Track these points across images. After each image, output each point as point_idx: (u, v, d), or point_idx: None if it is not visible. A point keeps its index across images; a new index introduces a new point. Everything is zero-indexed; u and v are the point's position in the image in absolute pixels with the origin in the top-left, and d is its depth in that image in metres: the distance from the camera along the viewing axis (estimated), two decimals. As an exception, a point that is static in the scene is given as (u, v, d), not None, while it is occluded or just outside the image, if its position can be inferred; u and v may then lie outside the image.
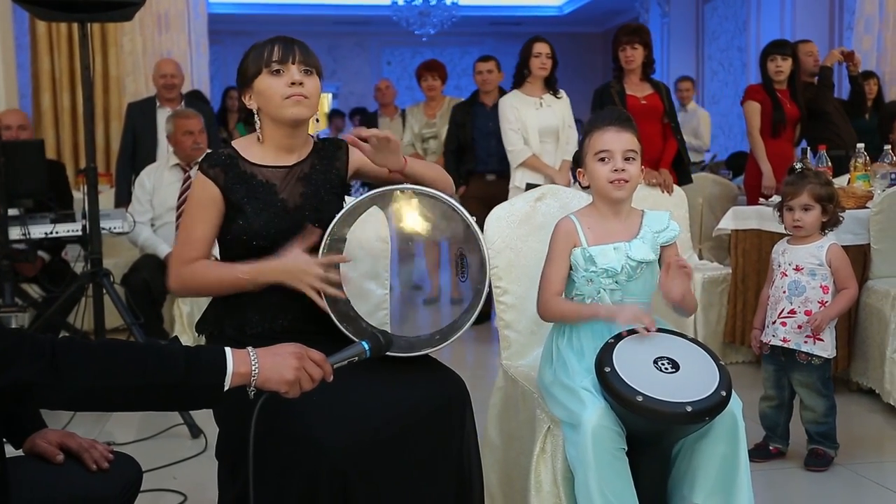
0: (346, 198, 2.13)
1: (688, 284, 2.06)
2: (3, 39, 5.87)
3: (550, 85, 5.16)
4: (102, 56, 6.53)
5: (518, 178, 4.98)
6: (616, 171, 2.09)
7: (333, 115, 10.52)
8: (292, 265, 1.90)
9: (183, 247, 2.00)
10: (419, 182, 2.08)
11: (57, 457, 1.72)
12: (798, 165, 3.11)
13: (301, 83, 1.95)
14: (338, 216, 1.97)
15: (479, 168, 5.53)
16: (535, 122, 5.01)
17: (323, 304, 1.91)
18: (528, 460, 2.14)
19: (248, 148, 2.04)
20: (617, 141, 2.11)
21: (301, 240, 1.93)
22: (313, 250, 1.94)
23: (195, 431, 3.34)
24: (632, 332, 2.02)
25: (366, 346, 1.65)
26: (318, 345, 1.64)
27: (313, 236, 1.94)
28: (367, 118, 7.43)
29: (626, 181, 2.10)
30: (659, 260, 2.16)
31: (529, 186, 4.50)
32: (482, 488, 2.05)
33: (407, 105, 6.77)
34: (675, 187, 4.52)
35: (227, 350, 1.51)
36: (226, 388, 1.49)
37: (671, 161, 4.62)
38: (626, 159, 2.10)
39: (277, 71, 1.96)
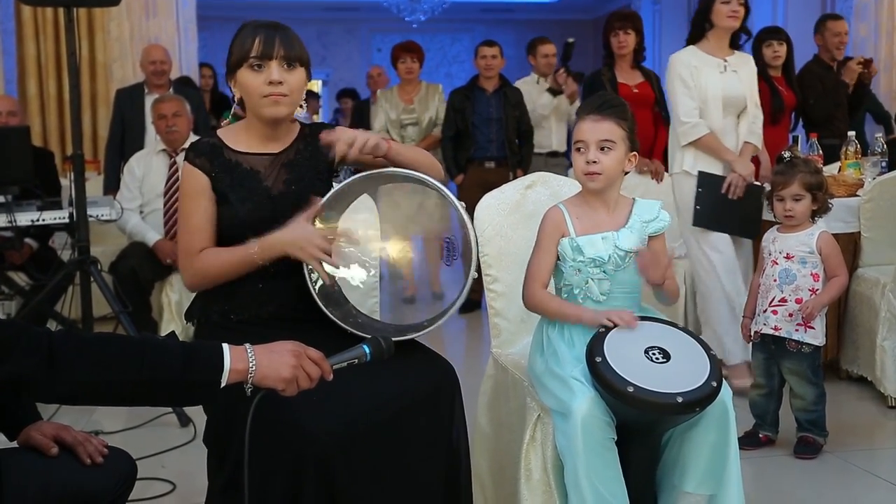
0: (334, 183, 2.11)
1: (668, 271, 2.06)
2: (-12, 25, 5.82)
3: (735, 42, 3.84)
4: (89, 42, 6.46)
5: (687, 162, 3.73)
6: (588, 162, 2.07)
7: (309, 97, 10.38)
8: (297, 235, 1.89)
9: (185, 242, 1.99)
10: (406, 166, 2.05)
11: (51, 449, 1.71)
12: (787, 154, 3.09)
13: (280, 82, 1.92)
14: (322, 200, 1.95)
15: (477, 155, 5.50)
16: (718, 89, 3.71)
17: (325, 272, 1.90)
18: (518, 448, 2.13)
19: (232, 136, 2.03)
20: (592, 131, 2.08)
21: (306, 209, 1.92)
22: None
23: (184, 420, 3.33)
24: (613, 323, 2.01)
25: (367, 350, 1.63)
26: (304, 332, 1.63)
27: (317, 206, 1.93)
28: (360, 105, 7.29)
29: (599, 174, 2.08)
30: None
31: (703, 176, 3.67)
32: (470, 476, 2.05)
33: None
34: (666, 175, 4.51)
35: (225, 346, 1.50)
36: (222, 385, 1.48)
37: (663, 150, 4.61)
38: (602, 149, 2.07)
39: (258, 66, 1.92)
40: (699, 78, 3.70)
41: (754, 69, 3.86)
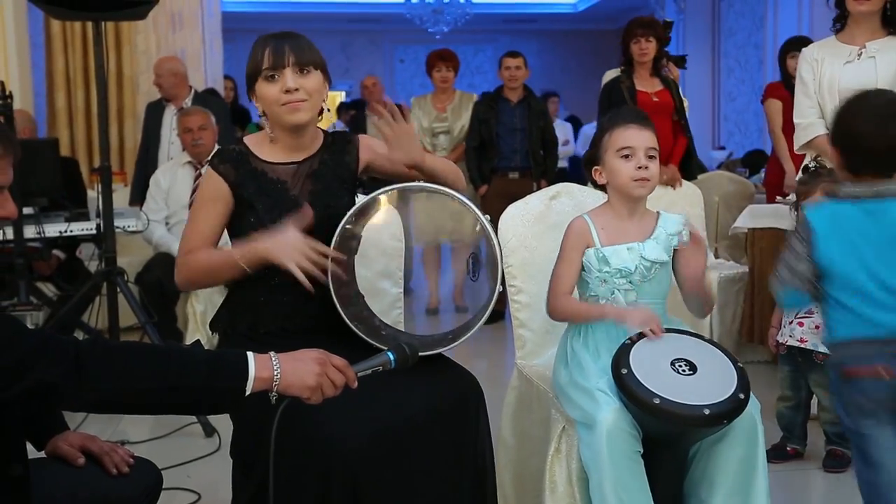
0: (358, 195, 2.12)
1: (702, 262, 2.05)
2: (18, 39, 5.90)
3: (893, 24, 3.28)
4: (116, 55, 6.54)
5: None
6: (640, 168, 2.07)
7: (343, 107, 10.43)
8: (281, 240, 1.87)
9: (186, 240, 2.01)
10: (435, 178, 2.05)
11: (78, 459, 1.73)
12: (812, 163, 3.06)
13: (296, 88, 1.92)
14: (349, 213, 1.95)
15: (501, 165, 5.49)
16: (836, 81, 3.29)
17: (304, 280, 1.85)
18: (542, 460, 2.12)
19: (258, 145, 2.04)
20: (640, 138, 2.09)
21: (295, 218, 1.90)
22: (310, 233, 1.92)
23: (209, 430, 3.34)
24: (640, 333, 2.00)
25: (391, 357, 1.63)
26: (331, 345, 1.63)
27: (308, 217, 1.92)
28: (356, 117, 7.09)
29: (648, 180, 2.09)
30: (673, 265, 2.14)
31: None
32: (495, 487, 2.04)
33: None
34: (690, 184, 4.47)
35: (250, 354, 1.50)
36: (247, 393, 1.49)
37: (681, 157, 4.57)
38: (649, 157, 2.09)
39: (272, 76, 1.93)
40: (822, 70, 3.31)
41: None
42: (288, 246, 1.86)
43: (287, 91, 1.92)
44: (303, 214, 1.93)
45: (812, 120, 3.35)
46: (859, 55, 3.27)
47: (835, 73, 3.30)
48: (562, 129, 8.35)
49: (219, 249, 1.99)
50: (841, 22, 3.35)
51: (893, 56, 3.21)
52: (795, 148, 3.47)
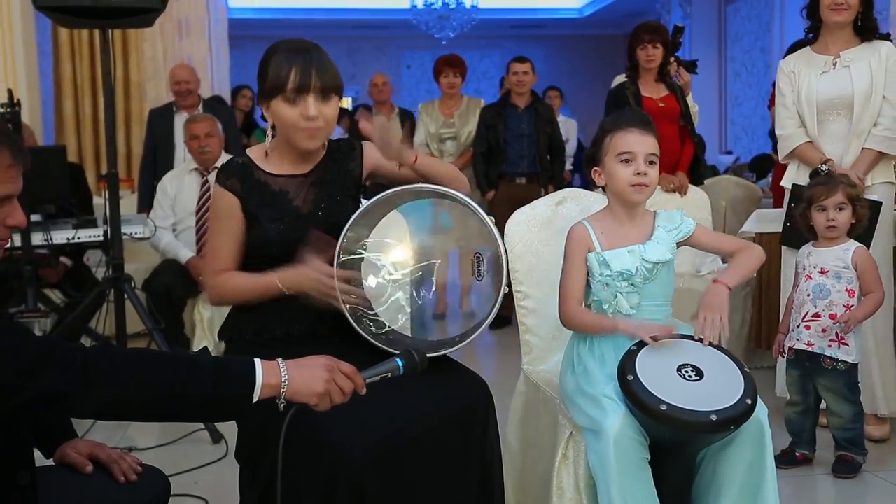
0: (362, 200, 2.11)
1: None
2: (26, 46, 5.93)
3: (865, 33, 3.33)
4: (124, 62, 6.57)
5: (788, 176, 3.45)
6: (639, 174, 2.07)
7: (343, 113, 10.35)
8: (314, 275, 1.89)
9: (211, 260, 2.01)
10: (432, 179, 2.05)
11: (86, 467, 1.73)
12: (823, 167, 3.06)
13: (316, 116, 1.92)
14: (352, 218, 1.95)
15: (509, 171, 5.50)
16: (813, 92, 3.34)
17: (345, 311, 1.90)
18: (548, 466, 2.11)
19: (263, 156, 2.04)
20: (641, 143, 2.08)
21: (312, 249, 1.91)
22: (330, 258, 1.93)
23: (216, 436, 3.34)
24: (653, 339, 1.99)
25: (400, 364, 1.63)
26: (336, 350, 1.63)
27: (327, 246, 1.92)
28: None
29: (647, 185, 2.08)
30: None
31: (797, 189, 3.27)
32: (503, 493, 2.03)
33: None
34: (697, 189, 4.46)
35: (257, 361, 1.50)
36: (255, 400, 1.49)
37: (689, 164, 4.55)
38: (649, 163, 2.08)
39: (294, 100, 1.91)
40: (799, 82, 3.37)
41: (886, 59, 3.26)
42: (321, 282, 1.89)
43: (308, 118, 1.91)
44: (317, 243, 1.92)
45: (792, 131, 3.40)
46: (834, 65, 3.33)
47: (812, 84, 3.35)
48: (563, 127, 7.88)
49: (253, 276, 1.98)
50: (814, 32, 3.41)
51: (867, 64, 3.27)
52: (780, 158, 3.54)
